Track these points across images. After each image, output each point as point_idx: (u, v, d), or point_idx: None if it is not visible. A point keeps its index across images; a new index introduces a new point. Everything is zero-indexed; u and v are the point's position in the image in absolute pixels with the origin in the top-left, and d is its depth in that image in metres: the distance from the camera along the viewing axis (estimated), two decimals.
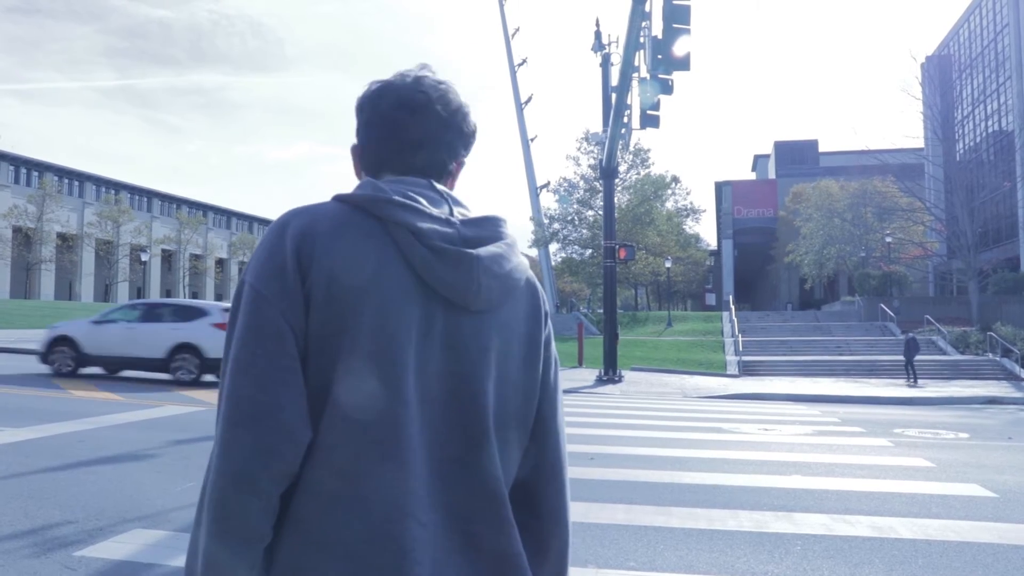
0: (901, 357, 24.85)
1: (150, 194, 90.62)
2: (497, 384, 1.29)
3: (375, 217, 1.23)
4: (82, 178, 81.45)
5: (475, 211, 1.35)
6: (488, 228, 1.31)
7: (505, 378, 1.30)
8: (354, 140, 1.42)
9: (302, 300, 1.19)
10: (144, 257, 46.13)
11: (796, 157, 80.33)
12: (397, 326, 1.20)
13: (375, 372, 1.19)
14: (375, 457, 1.18)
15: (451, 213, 1.29)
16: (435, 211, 1.26)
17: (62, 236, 74.51)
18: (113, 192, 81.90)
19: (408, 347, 1.21)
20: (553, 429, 1.38)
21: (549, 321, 1.42)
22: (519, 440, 1.34)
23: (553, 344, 1.43)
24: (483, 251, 1.26)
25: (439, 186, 1.34)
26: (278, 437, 1.14)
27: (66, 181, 78.85)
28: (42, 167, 76.28)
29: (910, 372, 24.71)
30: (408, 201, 1.24)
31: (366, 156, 1.39)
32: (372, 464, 1.17)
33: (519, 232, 63.05)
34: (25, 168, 75.38)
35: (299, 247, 1.20)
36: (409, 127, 1.35)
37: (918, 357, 25.37)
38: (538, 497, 1.36)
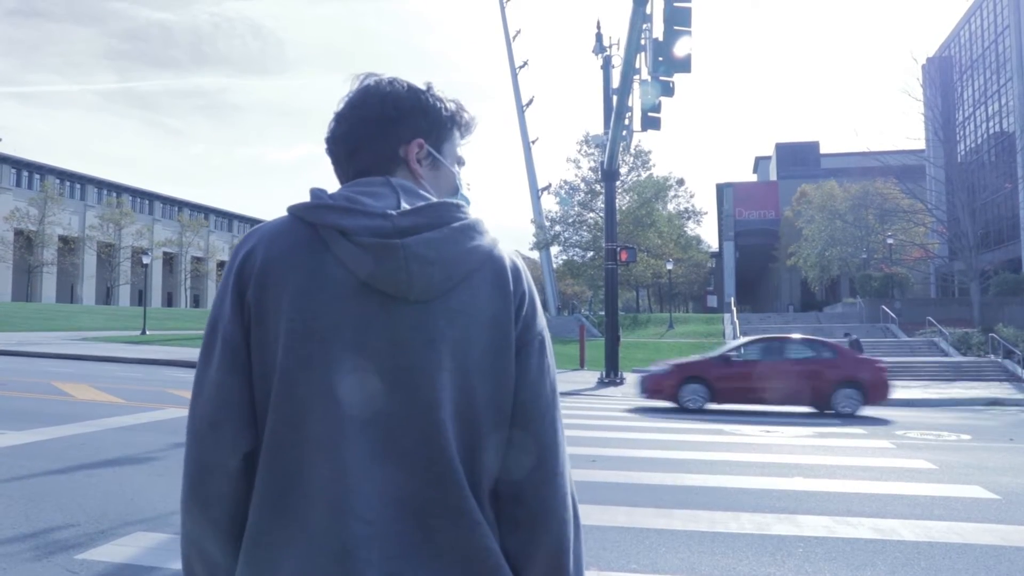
0: (903, 358, 24.69)
1: (152, 197, 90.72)
2: (457, 374, 1.24)
3: (309, 224, 1.26)
4: (84, 181, 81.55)
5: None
6: (429, 214, 1.26)
7: (467, 367, 1.25)
8: None
9: (244, 318, 1.26)
10: (146, 260, 46.02)
11: (797, 159, 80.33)
12: (329, 327, 1.22)
13: (307, 375, 1.21)
14: (314, 459, 1.20)
15: (398, 206, 1.27)
16: (373, 207, 1.25)
17: (64, 239, 74.62)
18: (115, 195, 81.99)
19: (343, 346, 1.22)
20: (537, 416, 1.31)
21: (528, 302, 1.34)
22: (494, 430, 1.28)
23: (537, 326, 1.35)
24: (412, 239, 1.22)
25: (396, 181, 1.34)
26: (218, 454, 1.25)
27: (67, 184, 78.97)
28: (44, 170, 76.38)
29: None
30: (343, 204, 1.25)
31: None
32: (311, 466, 1.20)
33: (520, 235, 63.06)
34: (27, 171, 75.47)
35: (242, 267, 1.27)
36: (338, 141, 1.41)
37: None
38: (523, 487, 1.29)
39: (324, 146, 1.44)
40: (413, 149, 1.39)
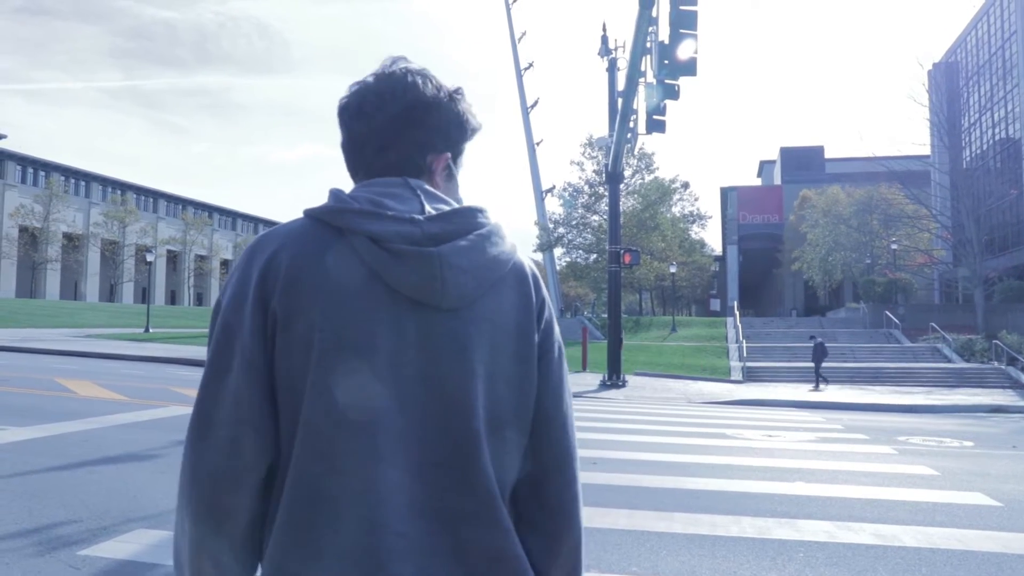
0: (906, 364, 24.77)
1: (156, 195, 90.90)
2: (487, 382, 1.24)
3: (336, 228, 1.23)
4: (88, 178, 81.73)
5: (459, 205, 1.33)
6: (457, 221, 1.25)
7: (495, 375, 1.25)
8: None
9: (267, 326, 1.22)
10: (149, 257, 46.09)
11: (802, 163, 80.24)
12: (361, 336, 1.20)
13: (340, 384, 1.19)
14: (344, 471, 1.18)
15: (422, 211, 1.26)
16: (400, 212, 1.24)
17: (68, 236, 74.82)
18: (119, 192, 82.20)
19: (375, 355, 1.20)
20: (558, 422, 1.33)
21: (547, 307, 1.36)
22: (518, 437, 1.29)
23: (555, 332, 1.37)
24: (446, 247, 1.21)
25: (414, 182, 1.32)
26: (239, 466, 1.22)
27: (72, 181, 79.16)
28: (49, 167, 76.58)
29: (817, 377, 25.42)
30: (368, 207, 1.23)
31: (345, 161, 1.41)
32: (341, 479, 1.18)
33: (524, 237, 63.06)
34: (32, 168, 75.68)
35: (265, 272, 1.22)
36: (365, 131, 1.36)
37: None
38: (544, 491, 1.32)
39: (340, 120, 1.39)
40: (441, 163, 1.39)
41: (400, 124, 1.34)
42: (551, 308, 1.38)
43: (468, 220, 1.27)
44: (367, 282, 1.21)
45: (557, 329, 1.38)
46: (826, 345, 26.34)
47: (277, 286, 1.21)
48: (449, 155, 1.39)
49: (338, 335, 1.19)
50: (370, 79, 1.37)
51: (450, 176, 1.41)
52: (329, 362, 1.18)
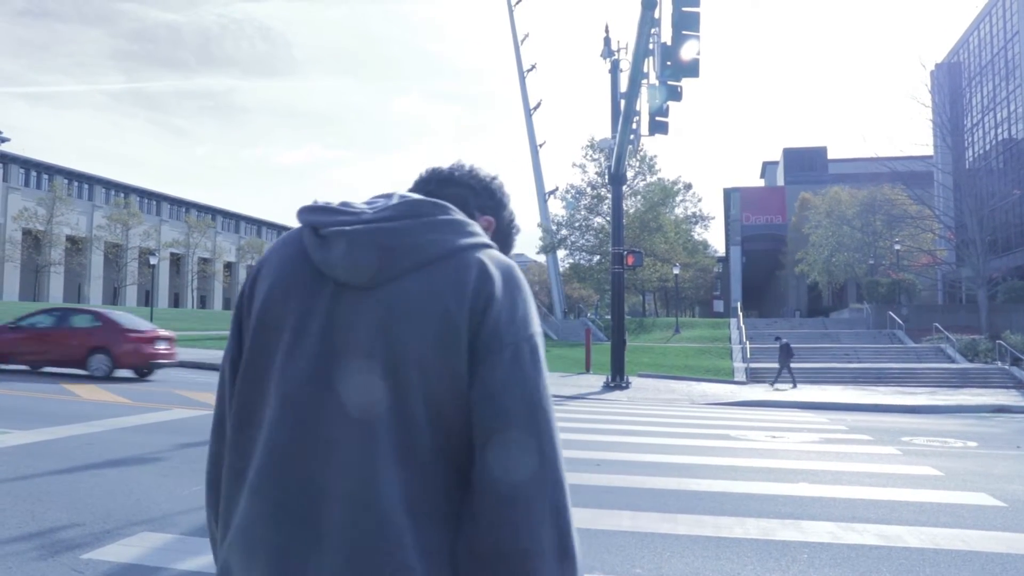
0: (910, 365, 24.79)
1: (159, 197, 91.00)
2: (389, 362, 1.20)
3: (301, 225, 1.35)
4: (92, 181, 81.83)
5: None
6: (403, 209, 1.30)
7: (402, 356, 1.21)
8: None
9: (242, 324, 1.36)
10: (153, 260, 46.20)
11: (805, 164, 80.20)
12: (280, 315, 1.28)
13: (259, 362, 1.29)
14: (258, 438, 1.26)
15: (386, 206, 1.33)
16: (357, 209, 1.32)
17: (71, 239, 74.91)
18: (122, 195, 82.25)
19: (288, 333, 1.26)
20: (499, 430, 1.19)
21: (498, 306, 1.25)
22: (429, 425, 1.20)
23: (511, 334, 1.24)
24: (365, 226, 1.26)
25: (405, 193, 1.40)
26: (218, 449, 1.37)
27: (76, 184, 79.25)
28: (52, 170, 76.69)
29: (787, 375, 25.91)
30: (321, 205, 1.34)
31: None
32: (258, 445, 1.25)
33: (527, 238, 63.07)
34: (35, 171, 75.80)
35: (249, 275, 1.39)
36: None
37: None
38: (473, 504, 1.19)
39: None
40: (484, 223, 1.56)
41: (478, 182, 1.61)
42: (514, 309, 1.27)
43: (417, 209, 1.30)
44: (300, 265, 1.30)
45: (523, 331, 1.26)
46: (791, 346, 26.77)
47: (248, 283, 1.37)
48: (493, 219, 1.58)
49: (266, 314, 1.29)
50: None
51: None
52: (256, 340, 1.29)
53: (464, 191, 1.53)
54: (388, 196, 1.37)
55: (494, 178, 1.61)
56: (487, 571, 1.17)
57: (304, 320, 1.25)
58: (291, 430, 1.22)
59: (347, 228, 1.26)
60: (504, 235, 1.61)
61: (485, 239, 1.33)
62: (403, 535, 1.17)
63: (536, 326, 1.29)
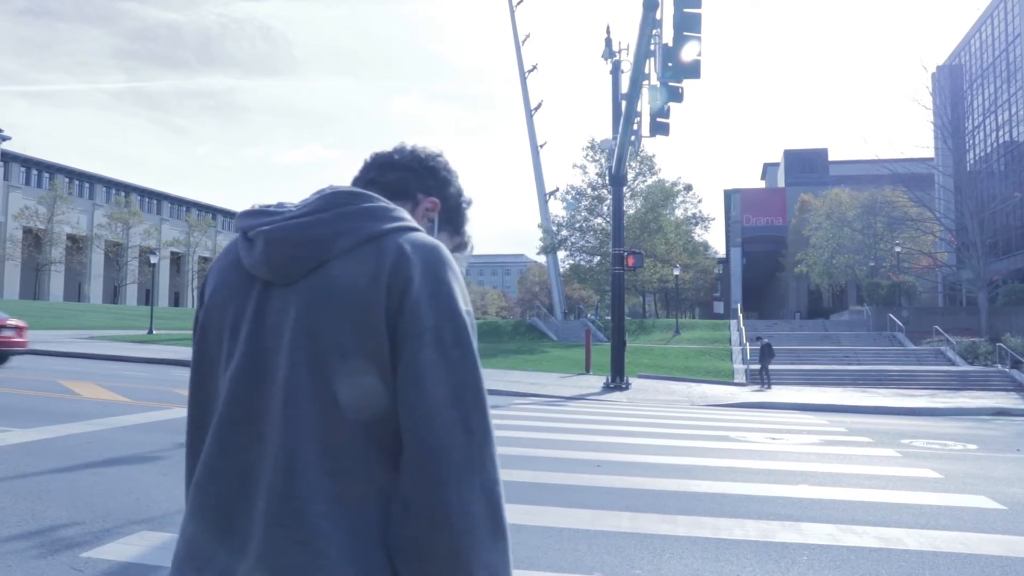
0: (910, 367, 24.78)
1: (160, 196, 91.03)
2: (309, 353, 1.23)
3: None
4: (92, 180, 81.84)
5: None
6: (318, 203, 1.34)
7: (323, 346, 1.23)
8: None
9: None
10: (153, 259, 46.16)
11: (806, 166, 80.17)
12: (216, 318, 1.35)
13: (200, 363, 1.39)
14: (204, 436, 1.33)
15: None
16: (283, 209, 1.37)
17: (72, 237, 74.94)
18: (123, 194, 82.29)
19: (224, 334, 1.33)
20: (423, 415, 1.20)
21: (417, 289, 1.24)
22: (357, 412, 1.23)
23: (430, 317, 1.23)
24: (280, 223, 1.31)
25: (343, 186, 1.43)
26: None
27: (76, 183, 79.29)
28: (53, 168, 76.72)
29: (764, 377, 26.21)
30: (249, 209, 1.40)
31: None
32: (204, 441, 1.32)
33: (528, 239, 63.02)
34: (36, 169, 75.82)
35: (201, 286, 1.45)
36: None
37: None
38: (409, 491, 1.20)
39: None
40: (428, 204, 1.57)
41: (405, 166, 1.60)
42: (435, 291, 1.26)
43: (331, 201, 1.34)
44: (234, 269, 1.35)
45: (444, 314, 1.25)
46: (773, 347, 27.14)
47: (201, 288, 1.44)
48: (437, 200, 1.58)
49: (206, 317, 1.37)
50: None
51: (436, 228, 1.59)
52: (198, 343, 1.39)
53: (406, 174, 1.54)
54: (322, 190, 1.40)
55: (437, 156, 1.60)
56: (421, 552, 1.18)
57: (237, 321, 1.31)
58: (229, 427, 1.27)
59: (265, 228, 1.31)
60: (453, 213, 1.61)
61: (408, 223, 1.34)
62: (320, 524, 1.19)
63: (461, 306, 1.28)
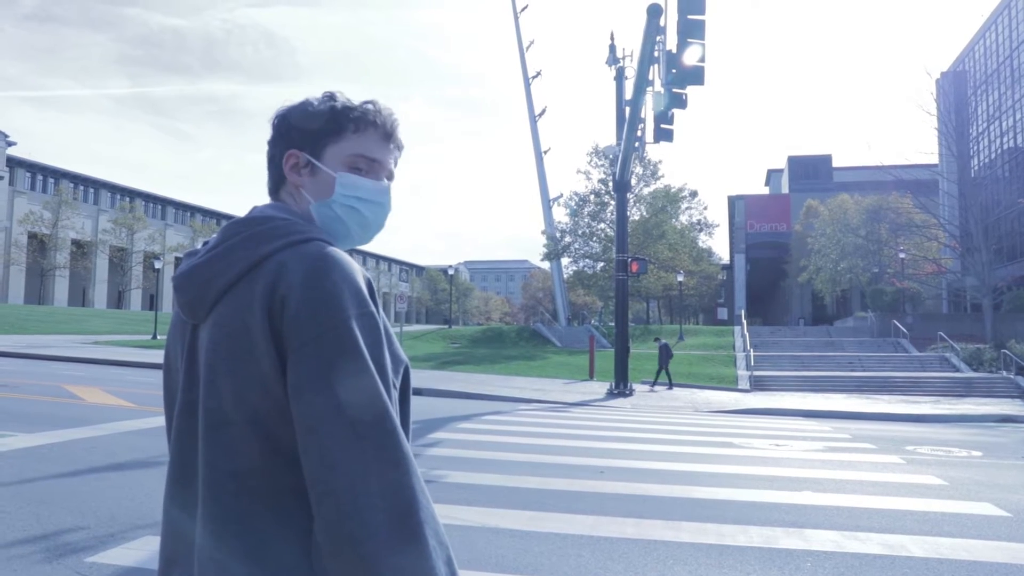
0: (914, 374, 24.71)
1: (164, 202, 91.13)
2: (210, 385, 1.31)
3: None
4: (97, 185, 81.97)
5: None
6: (218, 237, 1.39)
7: (218, 373, 1.31)
8: None
9: None
10: (158, 264, 46.25)
11: (810, 172, 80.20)
12: (171, 359, 1.46)
13: (166, 402, 1.46)
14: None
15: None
16: (199, 249, 1.42)
17: (77, 243, 75.01)
18: (127, 199, 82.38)
19: (175, 374, 1.42)
20: (306, 427, 1.22)
21: (296, 302, 1.26)
22: (245, 432, 1.28)
23: (311, 329, 1.25)
24: (186, 267, 1.39)
25: (258, 208, 1.47)
26: None
27: (81, 188, 79.40)
28: (58, 174, 76.84)
29: (665, 378, 26.51)
30: (190, 250, 1.45)
31: None
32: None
33: (532, 245, 63.12)
34: (41, 175, 75.95)
35: None
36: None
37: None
38: (314, 503, 1.23)
39: None
40: (288, 161, 1.47)
41: (268, 151, 1.52)
42: (315, 301, 1.26)
43: (224, 233, 1.39)
44: (178, 313, 1.42)
45: (327, 323, 1.25)
46: (671, 347, 27.56)
47: None
48: (293, 152, 1.47)
49: (165, 358, 1.48)
50: None
51: (314, 171, 1.47)
52: (164, 379, 1.48)
53: (271, 149, 1.50)
54: (250, 211, 1.47)
55: (284, 110, 1.48)
56: (330, 562, 1.21)
57: (180, 359, 1.40)
58: (172, 459, 1.39)
59: (179, 272, 1.39)
60: (320, 134, 1.45)
61: (295, 237, 1.35)
62: (229, 545, 1.27)
63: (347, 310, 1.27)
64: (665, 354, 26.54)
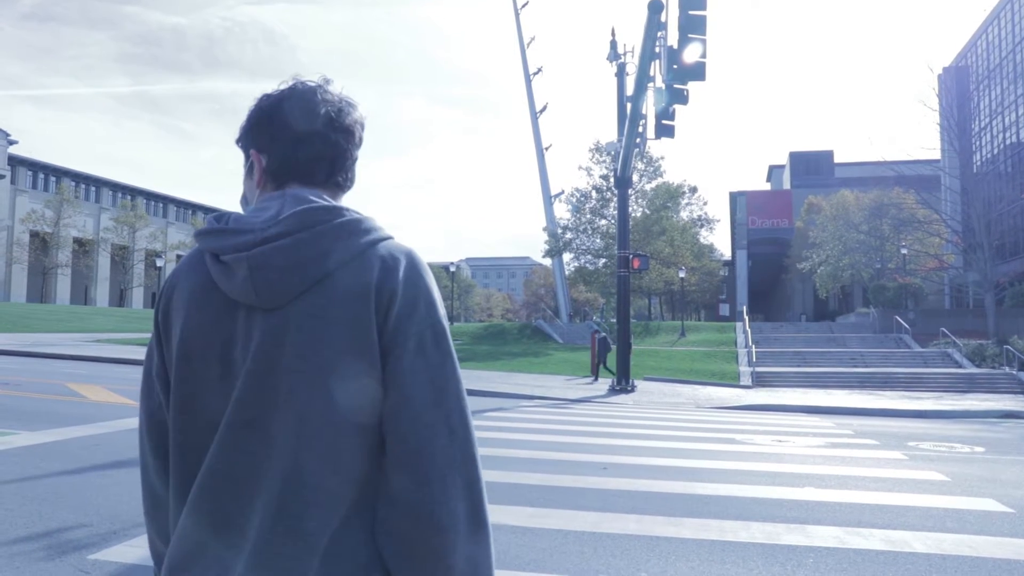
0: (916, 369, 24.69)
1: (165, 200, 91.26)
2: (305, 376, 1.26)
3: (200, 249, 1.38)
4: (99, 184, 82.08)
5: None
6: (290, 222, 1.30)
7: (319, 368, 1.26)
8: None
9: (161, 346, 1.41)
10: (159, 262, 46.35)
11: (811, 168, 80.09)
12: (203, 345, 1.32)
13: (187, 392, 1.33)
14: (196, 463, 1.31)
15: (277, 217, 1.32)
16: (244, 224, 1.32)
17: (78, 241, 75.16)
18: (129, 198, 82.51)
19: (214, 361, 1.31)
20: (406, 418, 1.27)
21: (402, 298, 1.30)
22: (357, 432, 1.28)
23: (415, 324, 1.30)
24: (260, 248, 1.28)
25: (291, 191, 1.39)
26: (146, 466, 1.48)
27: (83, 186, 79.55)
28: (59, 172, 76.96)
29: (607, 372, 26.33)
30: (213, 226, 1.36)
31: None
32: (196, 470, 1.31)
33: (533, 242, 63.11)
34: (43, 173, 76.06)
35: (158, 300, 1.42)
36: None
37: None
38: (397, 492, 1.27)
39: None
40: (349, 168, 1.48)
41: (338, 137, 1.43)
42: (417, 297, 1.32)
43: (305, 219, 1.31)
44: (211, 293, 1.33)
45: (428, 319, 1.32)
46: (607, 338, 27.65)
47: (161, 307, 1.40)
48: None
49: (188, 345, 1.33)
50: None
51: (335, 185, 1.46)
52: (181, 371, 1.34)
53: (352, 148, 1.47)
54: (280, 198, 1.37)
55: (358, 112, 1.48)
56: (407, 548, 1.26)
57: (228, 349, 1.31)
58: (231, 451, 1.28)
59: (243, 254, 1.29)
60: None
61: (382, 232, 1.36)
62: (313, 525, 1.25)
63: (439, 310, 1.35)
64: (603, 347, 26.71)
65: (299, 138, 1.39)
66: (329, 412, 1.27)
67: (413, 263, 1.34)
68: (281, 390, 1.27)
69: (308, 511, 1.26)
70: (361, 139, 1.48)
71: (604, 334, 27.90)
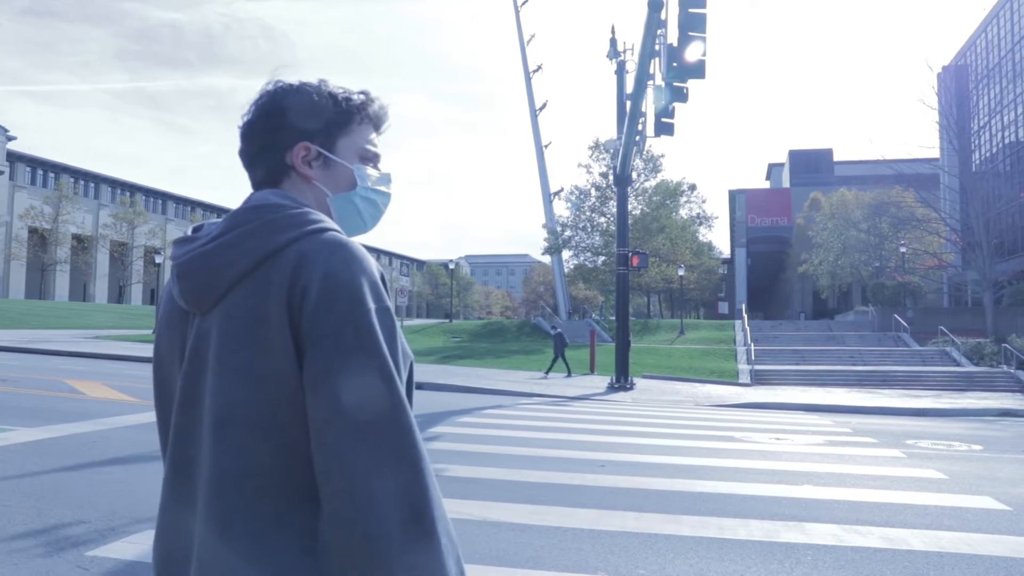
0: (915, 368, 24.71)
1: (164, 196, 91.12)
2: (220, 378, 1.26)
3: None
4: (97, 180, 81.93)
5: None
6: (225, 224, 1.33)
7: (231, 368, 1.25)
8: None
9: None
10: (158, 259, 46.26)
11: (811, 166, 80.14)
12: (167, 351, 1.39)
13: (158, 396, 1.42)
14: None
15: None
16: (201, 233, 1.36)
17: (77, 237, 75.00)
18: (128, 194, 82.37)
19: (172, 365, 1.38)
20: (323, 418, 1.19)
21: (318, 293, 1.22)
22: (272, 433, 1.24)
23: (330, 322, 1.22)
24: (187, 254, 1.33)
25: (258, 194, 1.40)
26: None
27: (81, 182, 79.38)
28: (58, 168, 76.81)
29: (563, 365, 26.84)
30: (180, 237, 1.40)
31: None
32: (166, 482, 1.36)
33: (533, 239, 63.14)
34: (41, 169, 75.90)
35: (157, 311, 1.49)
36: (240, 157, 1.47)
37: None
38: (320, 495, 1.21)
39: None
40: (299, 153, 1.41)
41: (256, 138, 1.42)
42: (336, 293, 1.23)
43: (233, 221, 1.33)
44: (173, 301, 1.38)
45: (346, 316, 1.22)
46: (564, 335, 27.94)
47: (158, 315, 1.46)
48: (306, 144, 1.41)
49: (157, 351, 1.41)
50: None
51: (327, 163, 1.44)
52: (155, 373, 1.43)
53: (267, 138, 1.42)
54: (248, 199, 1.40)
55: (283, 98, 1.42)
56: (336, 560, 1.19)
57: (181, 352, 1.35)
58: (171, 456, 1.33)
59: (182, 259, 1.33)
60: (330, 126, 1.43)
61: (313, 226, 1.30)
62: (231, 544, 1.23)
63: (367, 305, 1.24)
64: (560, 343, 26.91)
65: (241, 146, 1.44)
66: (243, 413, 1.24)
67: (338, 256, 1.26)
68: (195, 393, 1.29)
69: (235, 515, 1.23)
70: (286, 123, 1.40)
71: (560, 331, 28.31)
